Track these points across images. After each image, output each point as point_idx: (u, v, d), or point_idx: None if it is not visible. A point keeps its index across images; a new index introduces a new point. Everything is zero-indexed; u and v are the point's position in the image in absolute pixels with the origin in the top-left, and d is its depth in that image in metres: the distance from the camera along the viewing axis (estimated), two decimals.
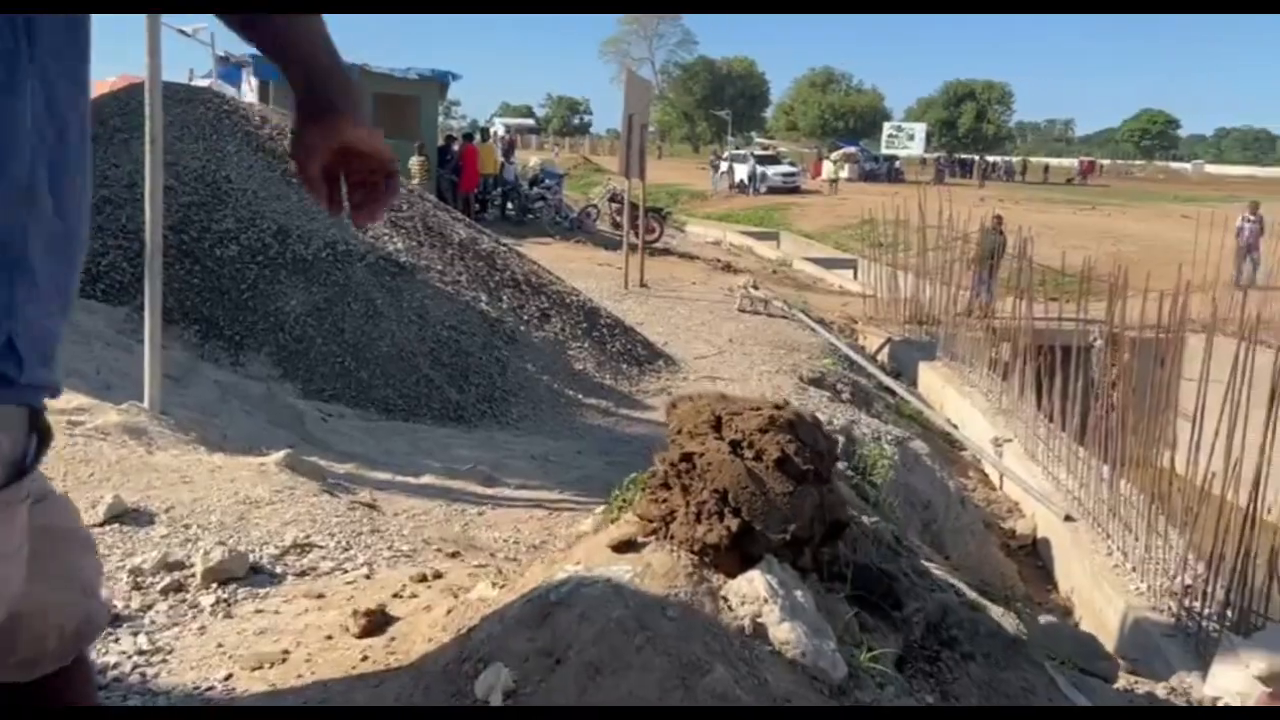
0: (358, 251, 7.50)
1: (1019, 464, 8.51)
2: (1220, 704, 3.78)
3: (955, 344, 11.75)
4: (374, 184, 1.27)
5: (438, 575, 2.84)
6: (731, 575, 2.04)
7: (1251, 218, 17.63)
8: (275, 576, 2.89)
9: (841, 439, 5.41)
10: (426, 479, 4.60)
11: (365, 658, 2.22)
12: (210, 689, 2.16)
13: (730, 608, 1.99)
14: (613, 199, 19.99)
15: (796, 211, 32.43)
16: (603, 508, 2.98)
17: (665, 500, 2.15)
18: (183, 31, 16.79)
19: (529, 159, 27.10)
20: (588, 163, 44.11)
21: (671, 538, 2.10)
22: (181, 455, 4.00)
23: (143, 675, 2.24)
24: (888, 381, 10.38)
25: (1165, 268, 10.86)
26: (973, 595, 2.88)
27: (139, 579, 2.71)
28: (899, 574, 2.56)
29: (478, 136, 21.18)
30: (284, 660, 2.26)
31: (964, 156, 60.25)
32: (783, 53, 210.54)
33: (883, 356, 12.73)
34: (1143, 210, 32.20)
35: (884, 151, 55.80)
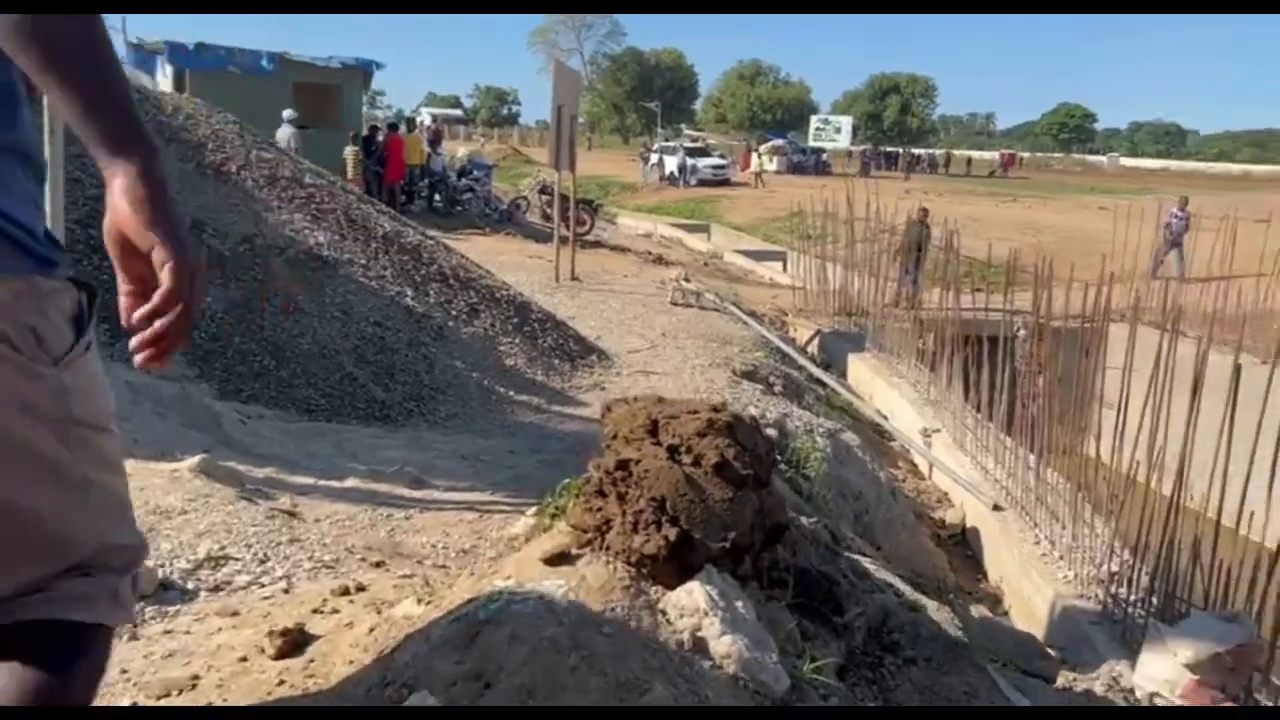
0: (277, 246, 7.24)
1: (947, 454, 8.60)
2: (1150, 693, 3.83)
3: (884, 335, 11.86)
4: (156, 304, 1.02)
5: (361, 588, 2.71)
6: (670, 587, 1.96)
7: (1179, 213, 18.06)
8: (186, 593, 2.73)
9: (775, 433, 5.37)
10: (351, 482, 4.43)
11: (282, 681, 2.09)
12: None
13: (669, 621, 1.90)
14: (543, 191, 19.77)
15: (726, 204, 32.55)
16: (534, 509, 2.87)
17: (600, 509, 2.05)
18: None
19: (457, 149, 26.73)
20: (517, 154, 43.74)
21: (607, 548, 2.01)
22: None
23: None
24: (818, 373, 10.42)
25: (1086, 258, 11.11)
26: (911, 595, 2.84)
27: None
28: (839, 576, 2.51)
29: (403, 126, 20.77)
30: (193, 686, 2.11)
31: (889, 149, 61.14)
32: (711, 45, 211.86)
33: (813, 348, 12.80)
34: (1062, 202, 32.97)
35: (811, 144, 56.36)
